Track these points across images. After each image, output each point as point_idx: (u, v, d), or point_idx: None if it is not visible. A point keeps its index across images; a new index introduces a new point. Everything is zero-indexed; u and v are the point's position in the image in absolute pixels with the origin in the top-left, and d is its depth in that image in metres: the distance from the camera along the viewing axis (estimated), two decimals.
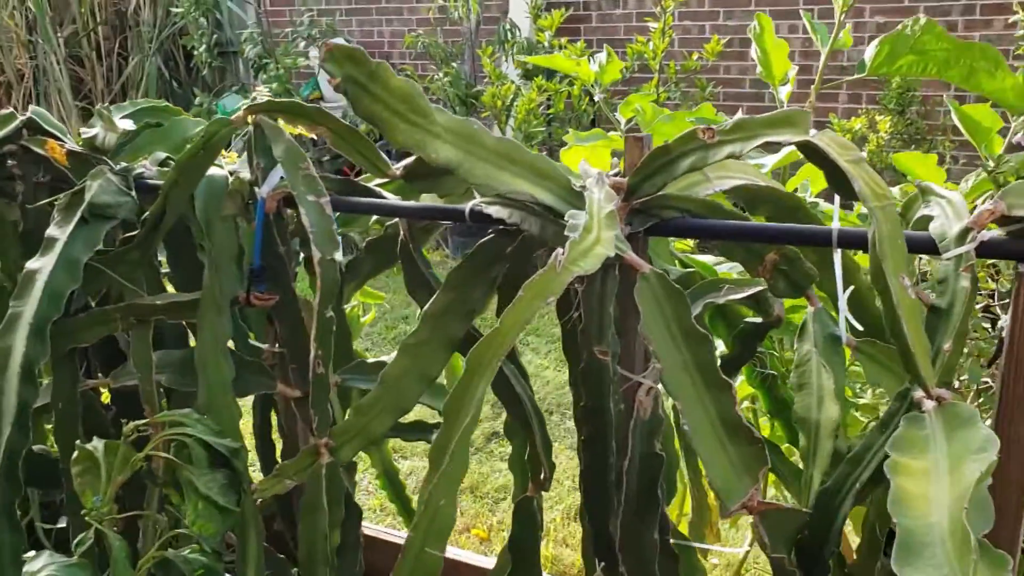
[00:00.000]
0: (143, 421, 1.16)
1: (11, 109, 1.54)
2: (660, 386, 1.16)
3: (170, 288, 1.55)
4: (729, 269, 1.61)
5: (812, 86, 1.93)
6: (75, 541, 1.13)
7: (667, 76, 5.31)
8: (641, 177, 1.04)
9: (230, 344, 1.38)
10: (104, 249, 1.36)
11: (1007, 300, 1.62)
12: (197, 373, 1.32)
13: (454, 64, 5.98)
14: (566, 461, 3.00)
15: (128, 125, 1.46)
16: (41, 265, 1.30)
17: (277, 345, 1.45)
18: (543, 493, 1.37)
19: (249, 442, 1.40)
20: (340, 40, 6.51)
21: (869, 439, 0.97)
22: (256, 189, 1.32)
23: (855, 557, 1.18)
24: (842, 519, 1.00)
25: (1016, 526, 0.97)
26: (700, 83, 5.34)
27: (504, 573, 1.34)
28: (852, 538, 1.53)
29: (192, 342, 1.56)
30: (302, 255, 1.49)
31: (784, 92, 1.89)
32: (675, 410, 1.43)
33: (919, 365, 0.89)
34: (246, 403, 1.53)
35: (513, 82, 5.47)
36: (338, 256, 1.20)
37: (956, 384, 1.33)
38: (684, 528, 1.70)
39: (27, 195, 1.55)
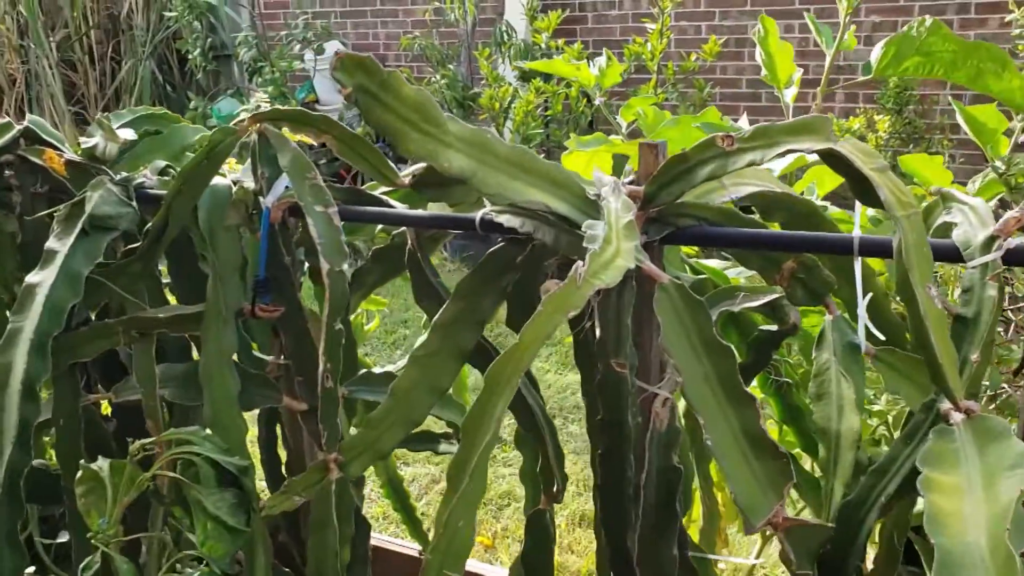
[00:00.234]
0: (149, 440, 1.13)
1: (7, 118, 1.51)
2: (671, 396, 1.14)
3: (171, 299, 1.53)
4: (738, 274, 1.59)
5: (817, 88, 1.91)
6: (81, 565, 1.11)
7: (665, 77, 5.30)
8: (658, 185, 1.02)
9: (234, 356, 1.35)
10: (105, 262, 1.33)
11: (1022, 304, 1.61)
12: (202, 387, 1.30)
13: (450, 66, 5.96)
14: (570, 466, 2.98)
15: (128, 135, 1.43)
16: (41, 279, 1.27)
17: (282, 357, 1.42)
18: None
19: (253, 454, 1.38)
20: (335, 43, 6.50)
21: (893, 451, 0.94)
22: (261, 199, 1.30)
23: (871, 567, 1.16)
24: (866, 533, 0.98)
25: None
26: (698, 83, 5.33)
27: None
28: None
29: (195, 354, 1.53)
30: (307, 264, 1.46)
31: (789, 95, 1.87)
32: (686, 417, 1.41)
33: (947, 377, 0.87)
34: (250, 415, 1.51)
35: (511, 84, 5.45)
36: (346, 267, 1.18)
37: None
38: (694, 534, 1.68)
39: (25, 206, 1.53)
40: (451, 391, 1.68)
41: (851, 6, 1.75)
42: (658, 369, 1.16)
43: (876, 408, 1.51)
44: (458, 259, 5.24)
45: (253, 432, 1.59)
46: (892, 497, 0.95)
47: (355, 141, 1.21)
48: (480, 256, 1.25)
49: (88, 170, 1.44)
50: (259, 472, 1.59)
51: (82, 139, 1.45)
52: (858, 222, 1.02)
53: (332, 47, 6.52)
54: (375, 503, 2.91)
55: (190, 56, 6.76)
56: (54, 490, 1.48)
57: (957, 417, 0.87)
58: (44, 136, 1.48)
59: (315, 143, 1.26)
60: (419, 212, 1.30)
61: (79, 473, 1.10)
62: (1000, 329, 1.55)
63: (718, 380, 0.90)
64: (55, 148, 1.47)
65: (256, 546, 1.20)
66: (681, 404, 1.27)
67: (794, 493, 1.60)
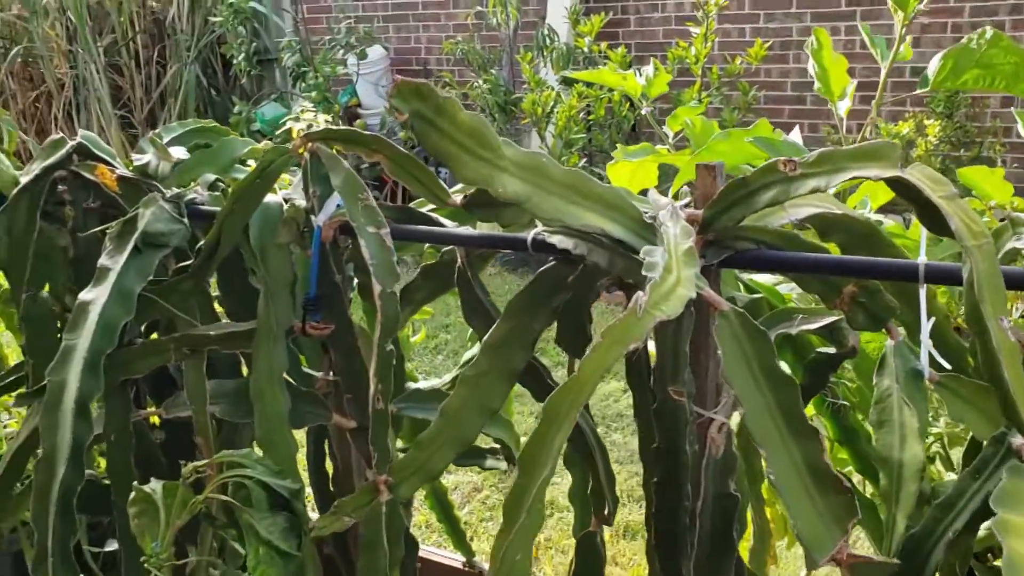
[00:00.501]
0: (202, 463, 1.13)
1: (60, 135, 1.52)
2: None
3: (220, 312, 1.54)
4: (790, 289, 1.56)
5: (866, 91, 1.87)
6: None
7: (709, 80, 5.25)
8: (717, 210, 1.00)
9: (284, 374, 1.35)
10: (156, 279, 1.34)
11: None
12: (252, 404, 1.30)
13: (492, 71, 5.95)
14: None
15: (181, 154, 1.44)
16: (94, 297, 1.28)
17: (331, 374, 1.42)
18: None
19: (300, 469, 1.38)
20: (378, 48, 6.52)
21: (961, 484, 0.92)
22: (312, 217, 1.29)
23: None
24: (933, 569, 0.95)
25: None
26: (743, 87, 5.28)
27: None
28: None
29: (244, 370, 1.54)
30: (356, 281, 1.46)
31: (843, 108, 1.84)
32: (738, 435, 1.39)
33: (1020, 411, 0.84)
34: (298, 430, 1.51)
35: (553, 88, 5.43)
36: (399, 288, 1.17)
37: None
38: (744, 553, 1.65)
39: (77, 221, 1.54)
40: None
41: (908, 17, 1.71)
42: (714, 393, 1.14)
43: (934, 430, 1.47)
44: (499, 263, 5.23)
45: (301, 445, 1.60)
46: (960, 533, 0.92)
47: (406, 161, 1.20)
48: (524, 263, 1.23)
49: (140, 186, 1.45)
50: (305, 485, 1.59)
51: (134, 156, 1.46)
52: (924, 248, 0.99)
53: (375, 52, 6.55)
54: (418, 511, 2.90)
55: (235, 61, 6.82)
56: (104, 501, 1.49)
57: None
58: (96, 152, 1.49)
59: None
60: (470, 231, 1.29)
61: (132, 495, 1.11)
62: None
63: (780, 412, 0.88)
64: (107, 163, 1.48)
65: (306, 570, 1.20)
66: (732, 422, 1.25)
67: None
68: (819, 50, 1.80)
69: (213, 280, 1.52)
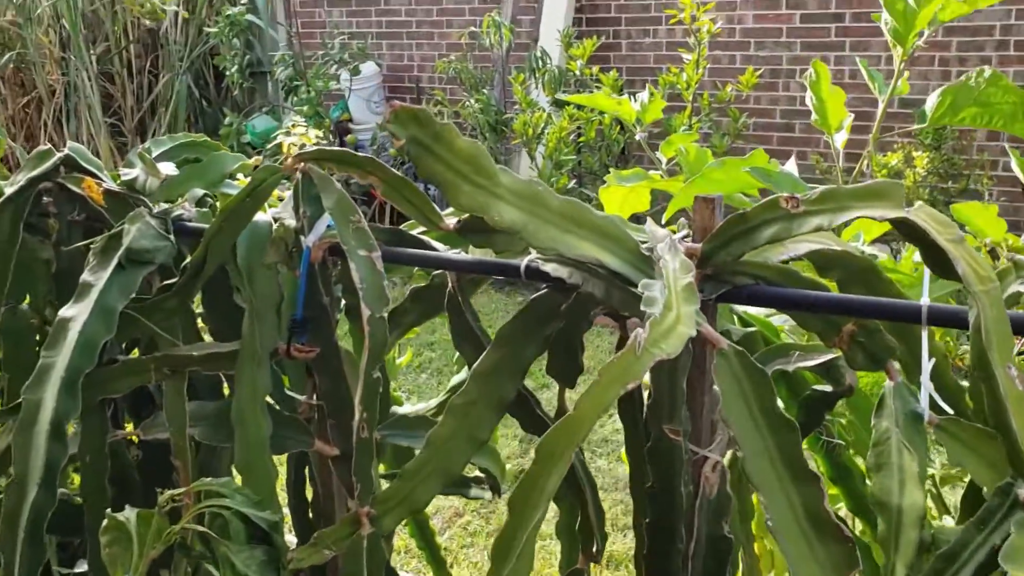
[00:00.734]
0: (179, 491, 1.10)
1: (48, 145, 1.49)
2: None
3: (202, 329, 1.50)
4: (783, 321, 1.54)
5: (870, 135, 1.86)
6: None
7: (699, 106, 5.25)
8: (716, 244, 0.98)
9: (267, 397, 1.32)
10: (139, 296, 1.31)
11: None
12: (233, 429, 1.26)
13: (484, 90, 5.95)
14: None
15: (170, 170, 1.41)
16: (75, 313, 1.24)
17: (315, 398, 1.39)
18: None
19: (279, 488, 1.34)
20: (371, 64, 6.51)
21: (965, 535, 0.89)
22: (302, 237, 1.27)
23: None
24: None
25: None
26: (733, 113, 5.29)
27: None
28: None
29: (226, 390, 1.50)
30: (343, 302, 1.43)
31: (840, 140, 1.82)
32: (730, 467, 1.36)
33: None
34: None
35: (544, 110, 5.42)
36: (387, 313, 1.14)
37: None
38: None
39: (61, 234, 1.51)
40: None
41: (907, 52, 1.70)
42: (708, 430, 1.11)
43: (929, 471, 1.44)
44: (487, 282, 5.21)
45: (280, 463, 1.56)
46: None
47: (400, 183, 1.18)
48: (512, 283, 1.21)
49: (126, 200, 1.42)
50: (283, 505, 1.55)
51: (122, 170, 1.42)
52: (927, 289, 0.97)
53: (368, 68, 6.54)
54: (397, 536, 2.86)
55: (227, 72, 6.79)
56: (76, 521, 1.45)
57: None
58: (84, 164, 1.46)
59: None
60: (463, 256, 1.27)
61: (105, 522, 1.07)
62: None
63: (780, 456, 0.86)
64: (95, 176, 1.45)
65: None
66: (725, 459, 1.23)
67: None
68: (817, 82, 1.79)
69: (196, 296, 1.49)
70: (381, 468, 1.68)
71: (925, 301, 0.95)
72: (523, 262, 1.14)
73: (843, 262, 1.10)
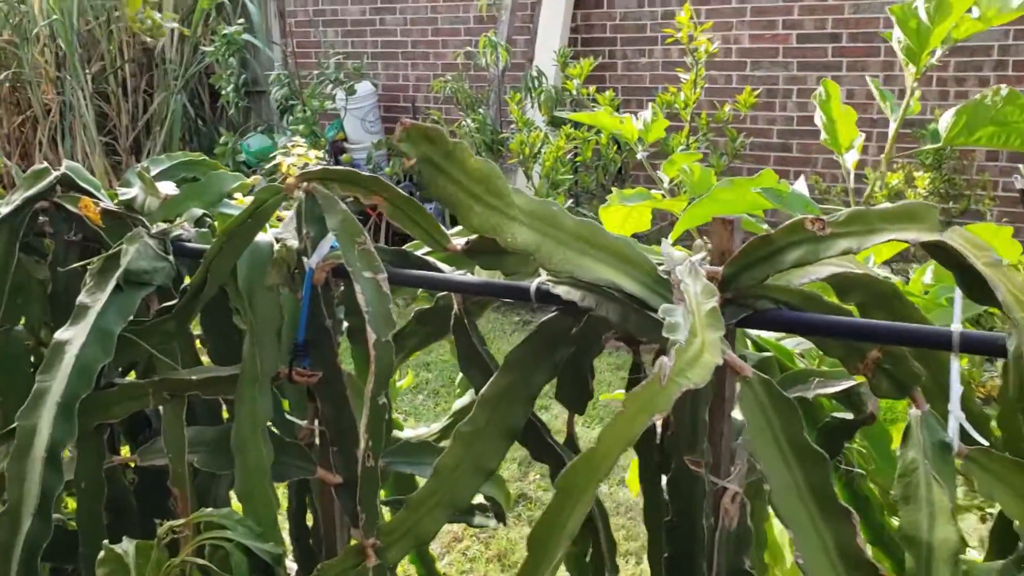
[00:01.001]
0: (178, 522, 1.06)
1: (45, 164, 1.46)
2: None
3: (201, 351, 1.46)
4: (795, 345, 1.50)
5: (883, 155, 1.84)
6: None
7: (697, 126, 5.24)
8: (738, 267, 0.95)
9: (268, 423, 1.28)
10: (138, 319, 1.27)
11: None
12: (233, 456, 1.22)
13: (480, 110, 5.93)
14: None
15: (170, 190, 1.37)
16: (72, 336, 1.20)
17: (317, 423, 1.35)
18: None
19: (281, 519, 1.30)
20: (367, 83, 6.49)
21: (1004, 574, 0.85)
22: (304, 259, 1.23)
23: None
24: None
25: None
26: (731, 133, 5.27)
27: None
28: None
29: (225, 413, 1.46)
30: (345, 324, 1.39)
31: (851, 160, 1.80)
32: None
33: None
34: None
35: (540, 129, 5.40)
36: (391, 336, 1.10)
37: None
38: None
39: (57, 254, 1.47)
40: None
41: (920, 72, 1.67)
42: (727, 459, 1.07)
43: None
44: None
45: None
46: None
47: (406, 203, 1.14)
48: (514, 304, 1.17)
49: (124, 220, 1.38)
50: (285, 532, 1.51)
51: (120, 189, 1.39)
52: (958, 314, 0.94)
53: (363, 88, 6.52)
54: None
55: (223, 92, 6.76)
56: (70, 548, 1.40)
57: None
58: (81, 183, 1.43)
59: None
60: (471, 278, 1.23)
61: (102, 554, 1.02)
62: None
63: (810, 491, 0.82)
64: (91, 196, 1.42)
65: None
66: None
67: None
68: (827, 101, 1.77)
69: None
70: (382, 494, 1.64)
71: (957, 327, 0.92)
72: (533, 284, 1.11)
73: (865, 286, 1.07)
